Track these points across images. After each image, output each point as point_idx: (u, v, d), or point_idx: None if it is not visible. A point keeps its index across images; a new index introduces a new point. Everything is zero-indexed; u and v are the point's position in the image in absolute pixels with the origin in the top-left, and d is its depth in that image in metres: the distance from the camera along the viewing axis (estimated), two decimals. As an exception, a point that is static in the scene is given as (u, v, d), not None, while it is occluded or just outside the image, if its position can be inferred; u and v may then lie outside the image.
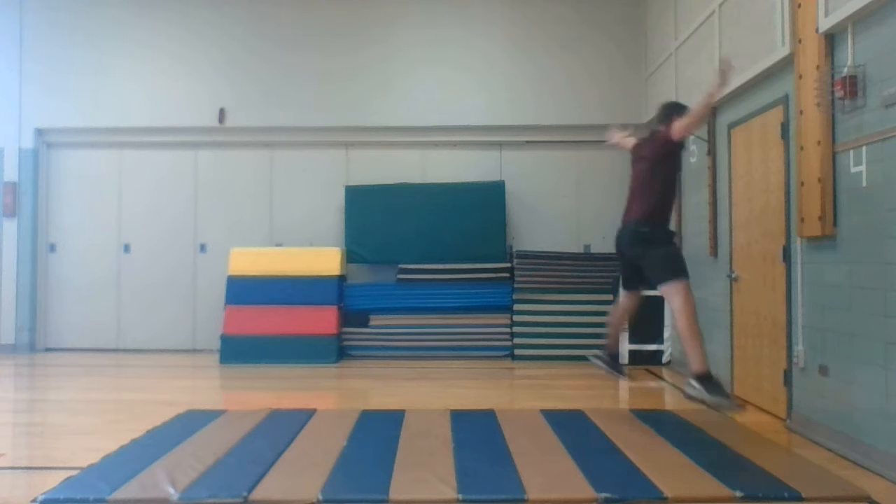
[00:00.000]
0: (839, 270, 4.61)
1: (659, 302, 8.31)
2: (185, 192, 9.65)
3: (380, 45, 9.56)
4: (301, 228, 9.49)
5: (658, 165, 5.03)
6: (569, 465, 4.15)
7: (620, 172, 9.48)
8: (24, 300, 9.44)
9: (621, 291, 5.68)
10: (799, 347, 5.15)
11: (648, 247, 4.96)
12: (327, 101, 9.51)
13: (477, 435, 4.87)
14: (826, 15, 4.59)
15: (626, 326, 5.73)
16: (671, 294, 4.86)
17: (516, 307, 8.86)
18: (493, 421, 5.28)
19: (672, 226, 5.36)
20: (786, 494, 3.64)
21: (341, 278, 9.00)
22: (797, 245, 5.17)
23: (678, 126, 4.91)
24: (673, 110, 5.15)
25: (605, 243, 9.38)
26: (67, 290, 9.58)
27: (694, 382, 4.74)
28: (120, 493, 3.67)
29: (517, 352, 8.78)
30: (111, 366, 8.64)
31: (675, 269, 4.90)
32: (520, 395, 7.11)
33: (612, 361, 5.62)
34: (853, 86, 4.37)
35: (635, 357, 8.35)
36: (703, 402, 4.74)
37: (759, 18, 5.76)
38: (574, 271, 8.91)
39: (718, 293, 6.77)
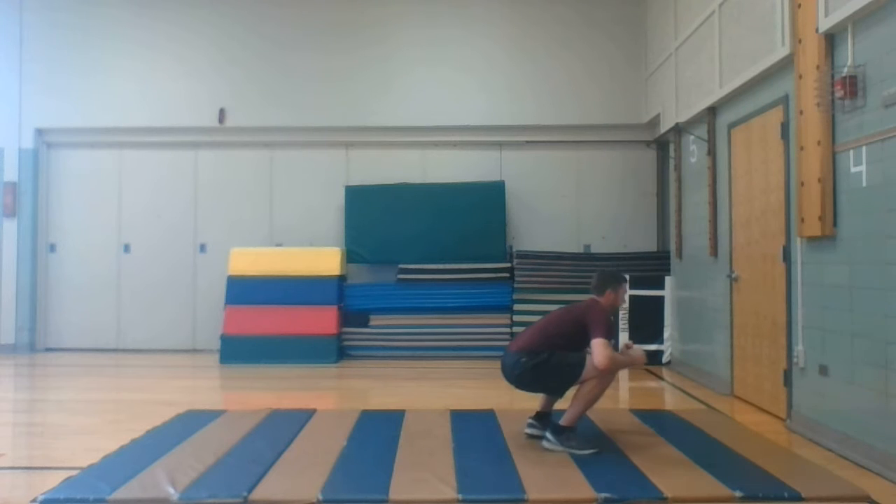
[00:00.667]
0: (839, 270, 4.61)
1: (659, 302, 8.34)
2: (185, 192, 9.65)
3: (380, 45, 9.56)
4: (301, 228, 9.49)
5: (570, 330, 4.59)
6: (569, 465, 4.15)
7: (621, 172, 9.57)
8: (24, 300, 9.44)
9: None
10: (799, 347, 5.14)
11: (535, 373, 4.57)
12: (327, 101, 9.51)
13: (477, 435, 4.87)
14: (826, 15, 4.59)
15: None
16: (590, 376, 4.47)
17: (516, 307, 8.85)
18: (493, 421, 5.29)
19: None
20: (786, 494, 3.64)
21: (341, 278, 9.00)
22: (797, 245, 5.16)
23: (601, 358, 4.36)
24: (607, 283, 4.72)
25: (605, 243, 9.42)
26: (67, 290, 9.59)
27: (557, 435, 4.49)
28: (120, 493, 3.67)
29: (517, 352, 8.76)
30: (111, 366, 8.64)
31: (575, 365, 4.51)
32: (520, 395, 7.05)
33: (537, 420, 4.85)
34: (853, 86, 4.37)
35: (635, 357, 8.34)
36: (562, 450, 4.43)
37: (759, 18, 5.76)
38: (574, 271, 8.90)
39: (718, 293, 6.77)
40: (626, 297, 4.91)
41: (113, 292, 9.59)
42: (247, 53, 9.59)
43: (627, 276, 4.89)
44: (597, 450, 4.41)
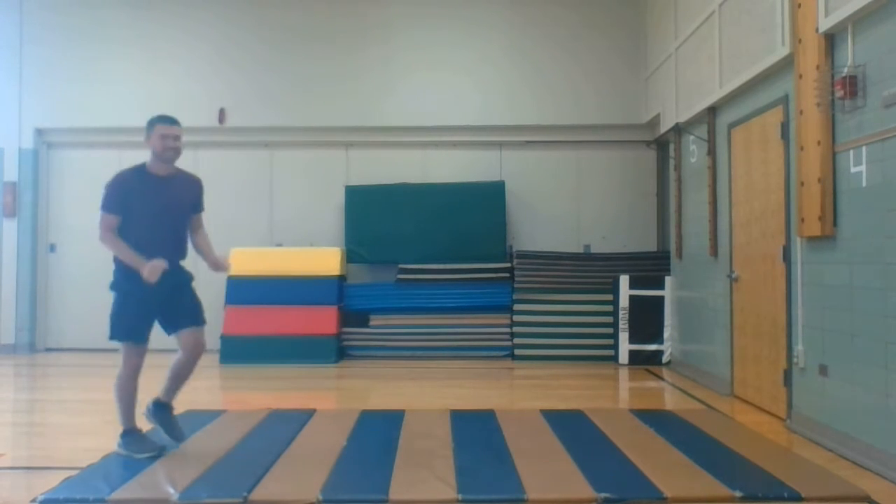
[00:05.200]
0: (839, 270, 4.61)
1: (659, 302, 8.34)
2: (185, 192, 9.63)
3: (380, 46, 9.56)
4: (301, 228, 9.48)
5: None
6: (569, 465, 4.15)
7: (620, 172, 9.56)
8: (24, 300, 9.44)
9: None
10: (799, 347, 5.15)
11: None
12: (327, 101, 9.50)
13: (477, 435, 4.87)
14: (826, 15, 4.59)
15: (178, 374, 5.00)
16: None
17: (516, 307, 8.85)
18: (493, 421, 5.28)
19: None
20: (786, 494, 3.64)
21: (341, 278, 9.00)
22: (797, 245, 5.16)
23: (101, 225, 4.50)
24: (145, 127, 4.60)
25: (605, 243, 9.42)
26: (67, 290, 9.57)
27: (119, 440, 4.50)
28: (120, 493, 3.67)
29: (517, 352, 8.77)
30: (111, 366, 8.48)
31: (113, 326, 4.66)
32: (520, 395, 7.11)
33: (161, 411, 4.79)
34: (853, 86, 4.37)
35: (635, 357, 8.36)
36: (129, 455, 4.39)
37: (759, 18, 5.76)
38: (574, 271, 8.91)
39: (718, 293, 6.77)
40: (167, 139, 4.66)
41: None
42: (246, 54, 9.59)
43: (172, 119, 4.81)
44: (154, 453, 4.32)
